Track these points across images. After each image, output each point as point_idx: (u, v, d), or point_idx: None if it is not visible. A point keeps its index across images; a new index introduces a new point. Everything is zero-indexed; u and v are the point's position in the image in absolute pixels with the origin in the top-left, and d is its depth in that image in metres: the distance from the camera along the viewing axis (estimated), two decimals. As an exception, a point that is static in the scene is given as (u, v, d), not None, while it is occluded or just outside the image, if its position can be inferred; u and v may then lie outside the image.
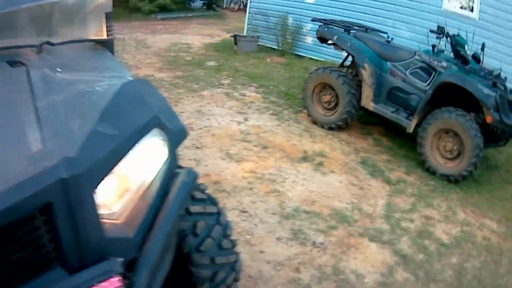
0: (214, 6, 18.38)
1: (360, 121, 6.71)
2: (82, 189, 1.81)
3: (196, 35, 12.86)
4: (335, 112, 6.32)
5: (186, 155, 5.37)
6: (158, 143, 2.25)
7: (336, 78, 6.21)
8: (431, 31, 5.68)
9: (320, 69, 6.64)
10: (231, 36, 11.19)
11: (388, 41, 6.35)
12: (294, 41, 10.34)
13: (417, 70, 5.84)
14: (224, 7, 17.32)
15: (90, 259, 1.88)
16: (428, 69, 5.74)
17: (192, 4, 19.03)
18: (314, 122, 6.49)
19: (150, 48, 11.44)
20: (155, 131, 2.21)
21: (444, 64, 5.53)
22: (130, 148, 2.04)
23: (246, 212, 4.25)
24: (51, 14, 3.08)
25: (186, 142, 5.59)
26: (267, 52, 10.45)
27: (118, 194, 2.08)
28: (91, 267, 1.85)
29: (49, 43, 2.66)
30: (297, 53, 10.26)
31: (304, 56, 10.20)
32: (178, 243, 2.59)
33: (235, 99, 7.32)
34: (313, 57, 9.93)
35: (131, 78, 2.46)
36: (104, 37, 2.96)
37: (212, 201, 2.81)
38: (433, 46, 5.76)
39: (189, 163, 5.12)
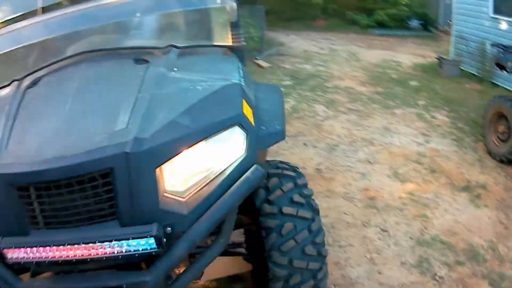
0: (429, 27, 17.75)
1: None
2: (142, 164, 2.22)
3: (408, 54, 12.61)
4: (507, 145, 5.76)
5: (355, 168, 5.56)
6: (237, 139, 2.48)
7: (509, 108, 5.67)
8: None
9: (497, 97, 6.17)
10: (435, 58, 10.81)
11: None
12: (492, 69, 9.37)
13: None
14: (440, 29, 16.63)
15: (142, 220, 2.27)
16: None
17: (409, 23, 18.62)
18: (489, 152, 6.04)
19: (360, 61, 11.62)
20: (235, 128, 2.45)
21: None
22: (202, 139, 2.35)
23: (386, 231, 4.26)
24: (179, 21, 3.59)
25: (361, 155, 5.86)
26: (468, 78, 9.87)
27: (187, 176, 2.40)
28: (138, 226, 2.25)
29: (174, 46, 3.03)
30: (494, 81, 9.40)
31: (500, 86, 9.31)
32: (263, 239, 2.75)
33: (424, 120, 7.22)
34: (509, 88, 8.99)
35: (236, 82, 2.72)
36: (230, 43, 3.27)
37: (311, 207, 2.83)
38: None
39: (354, 176, 5.34)
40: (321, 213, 3.13)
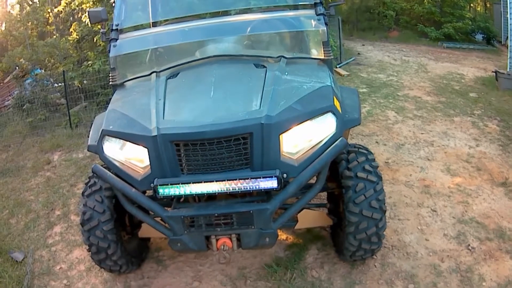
0: (492, 41, 17.59)
1: None
2: (270, 131, 3.08)
3: (472, 68, 12.67)
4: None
5: (416, 163, 6.22)
6: (329, 121, 3.25)
7: None
8: None
9: None
10: (492, 72, 10.92)
11: None
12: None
13: None
14: (502, 43, 16.46)
15: (267, 169, 3.14)
16: None
17: (475, 36, 18.51)
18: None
19: (428, 73, 11.90)
20: (329, 114, 3.24)
21: None
22: (307, 119, 3.17)
23: (435, 211, 4.94)
24: (285, 38, 4.31)
25: (422, 154, 6.55)
26: (523, 91, 9.89)
27: (298, 143, 3.24)
28: (265, 171, 3.13)
29: (283, 56, 3.81)
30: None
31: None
32: (343, 194, 3.56)
33: (477, 128, 7.63)
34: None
35: (329, 84, 3.45)
36: (322, 57, 3.97)
37: (376, 174, 3.59)
38: None
39: (414, 169, 6.03)
40: (385, 195, 3.88)
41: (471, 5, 22.99)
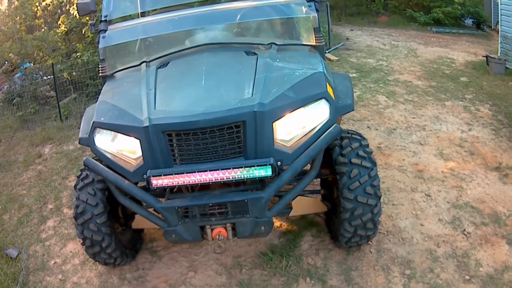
0: (482, 26, 17.55)
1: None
2: (264, 119, 3.06)
3: (462, 52, 12.62)
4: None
5: (409, 148, 6.21)
6: (323, 108, 3.24)
7: None
8: None
9: None
10: (482, 57, 10.88)
11: None
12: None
13: None
14: (492, 28, 16.43)
15: (261, 157, 3.12)
16: None
17: (464, 21, 18.46)
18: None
19: (418, 57, 11.83)
20: (322, 100, 3.24)
21: None
22: (300, 106, 3.16)
23: (429, 196, 4.95)
24: (276, 25, 4.27)
25: (414, 138, 6.49)
26: (512, 76, 9.87)
27: (291, 130, 3.22)
28: (259, 159, 3.11)
29: (274, 43, 3.78)
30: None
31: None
32: (338, 181, 3.55)
33: (469, 112, 7.59)
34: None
35: (321, 71, 3.43)
36: (313, 43, 3.95)
37: (370, 160, 3.59)
38: None
39: (407, 153, 6.02)
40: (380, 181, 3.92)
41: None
